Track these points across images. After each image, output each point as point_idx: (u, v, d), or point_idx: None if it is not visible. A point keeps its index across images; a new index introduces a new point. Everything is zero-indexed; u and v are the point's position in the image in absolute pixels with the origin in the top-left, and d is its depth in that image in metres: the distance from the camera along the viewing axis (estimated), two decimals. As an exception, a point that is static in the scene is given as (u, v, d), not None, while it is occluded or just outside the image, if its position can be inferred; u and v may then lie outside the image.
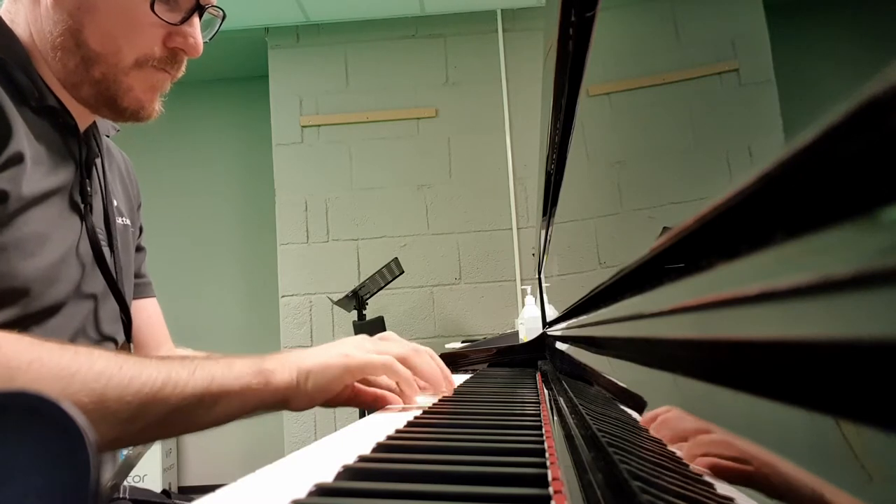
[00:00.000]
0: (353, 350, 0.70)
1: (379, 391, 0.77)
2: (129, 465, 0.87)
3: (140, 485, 0.92)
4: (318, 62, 3.53)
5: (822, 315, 0.14)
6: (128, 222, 0.91)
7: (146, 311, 0.98)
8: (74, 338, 0.76)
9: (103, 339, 0.81)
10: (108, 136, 0.92)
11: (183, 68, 0.80)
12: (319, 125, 3.49)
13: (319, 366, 0.68)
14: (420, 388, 0.76)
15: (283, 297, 3.43)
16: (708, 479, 0.21)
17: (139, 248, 0.98)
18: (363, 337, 0.76)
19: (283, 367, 0.66)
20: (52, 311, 0.72)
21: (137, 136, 1.14)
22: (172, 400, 0.59)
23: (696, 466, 0.23)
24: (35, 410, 0.34)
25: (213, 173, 3.97)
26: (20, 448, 0.33)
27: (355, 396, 0.75)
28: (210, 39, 0.82)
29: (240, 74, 3.93)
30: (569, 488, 0.32)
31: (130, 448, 0.86)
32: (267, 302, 3.65)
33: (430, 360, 0.76)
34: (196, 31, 0.77)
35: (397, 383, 0.75)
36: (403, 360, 0.73)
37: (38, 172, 0.71)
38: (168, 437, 0.71)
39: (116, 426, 0.55)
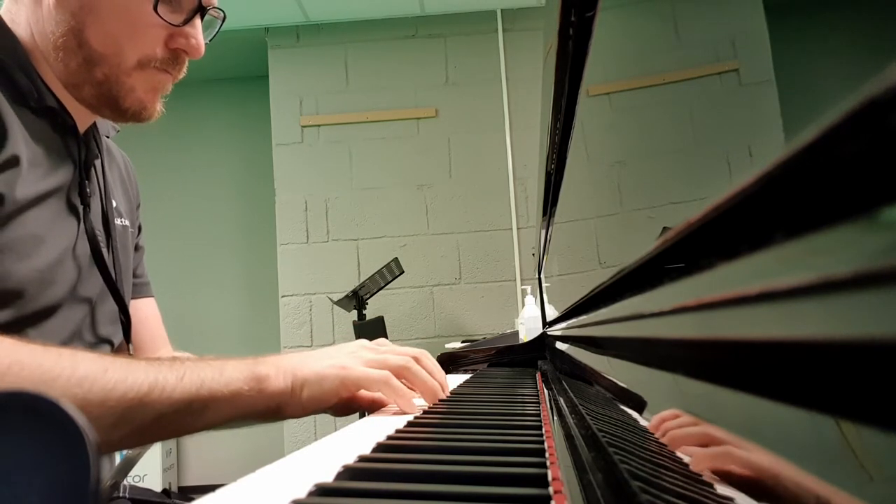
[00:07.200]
0: (350, 361, 0.68)
1: (376, 395, 0.73)
2: (129, 464, 0.87)
3: (140, 484, 0.91)
4: (318, 62, 3.53)
5: (822, 315, 0.14)
6: (126, 223, 0.90)
7: (143, 312, 0.97)
8: (70, 340, 0.75)
9: (99, 342, 0.80)
10: (107, 137, 0.92)
11: (184, 69, 0.80)
12: (319, 125, 3.49)
13: (315, 376, 0.66)
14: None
15: (283, 297, 3.43)
16: (708, 479, 0.21)
17: (137, 248, 0.97)
18: (360, 344, 0.73)
19: (278, 372, 0.65)
20: (48, 313, 0.72)
21: (137, 136, 1.14)
22: (159, 406, 0.57)
23: (698, 467, 0.23)
24: (35, 410, 0.34)
25: (214, 173, 3.96)
26: (20, 448, 0.33)
27: (351, 400, 0.72)
28: (210, 41, 0.82)
29: (240, 74, 3.93)
30: (569, 488, 0.32)
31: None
32: (267, 302, 3.65)
33: (425, 375, 0.71)
34: (198, 31, 0.77)
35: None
36: (401, 373, 0.69)
37: (35, 174, 0.70)
38: (155, 442, 0.69)
39: (100, 432, 0.52)
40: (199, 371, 0.61)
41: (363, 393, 0.71)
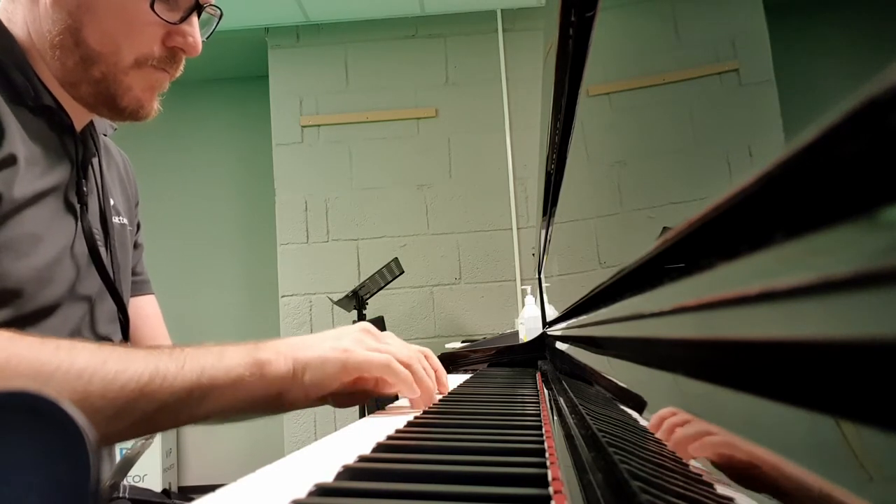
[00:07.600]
0: (353, 345, 0.67)
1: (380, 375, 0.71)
2: (128, 464, 0.87)
3: (140, 484, 0.91)
4: (318, 62, 3.53)
5: (822, 315, 0.14)
6: (125, 221, 0.90)
7: (144, 309, 0.97)
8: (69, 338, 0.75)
9: (99, 341, 0.80)
10: (105, 136, 0.92)
11: (181, 68, 0.79)
12: (319, 125, 3.49)
13: (317, 359, 0.65)
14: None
15: (283, 297, 3.43)
16: (708, 479, 0.21)
17: (136, 245, 0.97)
18: (362, 328, 0.72)
19: (279, 357, 0.64)
20: (47, 312, 0.72)
21: (137, 135, 1.14)
22: (160, 395, 0.56)
23: (697, 465, 0.23)
24: (35, 410, 0.34)
25: (213, 173, 3.97)
26: (20, 447, 0.33)
27: (354, 384, 0.70)
28: (207, 38, 0.81)
29: (240, 74, 3.93)
30: (569, 488, 0.32)
31: (130, 446, 0.86)
32: (267, 302, 3.65)
33: (423, 374, 0.70)
34: (195, 30, 0.77)
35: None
36: (403, 363, 0.69)
37: (32, 173, 0.70)
38: (156, 432, 0.69)
39: (101, 424, 0.51)
40: (199, 358, 0.60)
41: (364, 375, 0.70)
